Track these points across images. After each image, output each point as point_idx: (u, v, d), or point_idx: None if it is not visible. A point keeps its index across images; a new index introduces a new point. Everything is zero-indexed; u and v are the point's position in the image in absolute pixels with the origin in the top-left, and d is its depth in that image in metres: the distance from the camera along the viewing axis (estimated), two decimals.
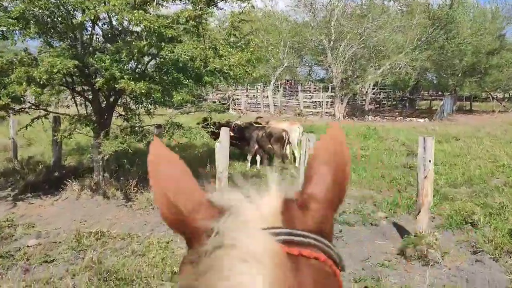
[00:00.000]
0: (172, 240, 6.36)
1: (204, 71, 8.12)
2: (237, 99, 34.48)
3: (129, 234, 6.66)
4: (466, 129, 21.07)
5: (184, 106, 9.16)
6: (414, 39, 27.37)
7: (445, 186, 9.37)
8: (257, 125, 11.67)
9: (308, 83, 45.30)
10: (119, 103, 8.94)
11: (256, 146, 11.17)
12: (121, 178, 8.90)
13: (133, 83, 6.79)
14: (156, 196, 0.60)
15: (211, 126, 7.64)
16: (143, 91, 6.79)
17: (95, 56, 7.31)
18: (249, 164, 11.26)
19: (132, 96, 8.39)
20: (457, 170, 10.85)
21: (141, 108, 8.55)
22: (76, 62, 6.73)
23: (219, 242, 0.51)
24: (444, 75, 31.47)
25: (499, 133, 19.27)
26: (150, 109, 8.48)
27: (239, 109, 32.72)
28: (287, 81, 48.24)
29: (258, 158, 11.50)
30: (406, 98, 40.28)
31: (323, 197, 0.61)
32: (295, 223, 0.57)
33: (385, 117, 31.28)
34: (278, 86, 41.67)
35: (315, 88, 39.73)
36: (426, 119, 29.91)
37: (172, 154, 0.65)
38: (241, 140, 11.11)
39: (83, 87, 8.41)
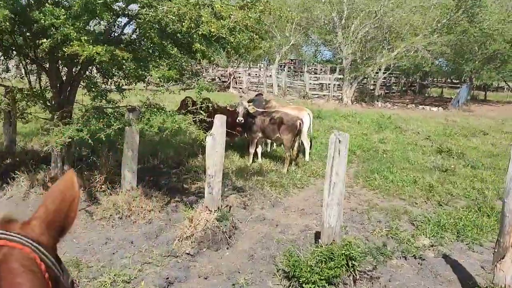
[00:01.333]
0: (135, 278, 4.42)
1: (195, 35, 6.06)
2: (239, 77, 32.23)
3: (77, 262, 4.70)
4: (489, 122, 19.08)
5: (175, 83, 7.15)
6: (434, 21, 25.01)
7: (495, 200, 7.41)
8: (264, 109, 9.64)
9: (314, 64, 42.92)
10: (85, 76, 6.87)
11: (260, 135, 9.16)
12: (85, 172, 6.93)
13: (91, 46, 4.74)
14: None
15: (202, 112, 5.62)
16: (104, 58, 4.75)
17: (44, 9, 5.21)
18: (251, 158, 9.26)
19: (100, 67, 6.34)
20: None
21: (112, 83, 6.49)
22: (9, 13, 4.65)
23: None
24: (461, 61, 29.15)
25: None
26: (122, 85, 6.42)
27: (240, 88, 30.58)
28: (291, 60, 45.87)
29: (259, 149, 9.49)
30: (415, 85, 38.10)
31: (43, 218, 0.85)
32: (11, 229, 0.79)
33: (396, 104, 29.20)
34: (282, 66, 39.45)
35: (322, 70, 37.38)
36: (440, 107, 27.85)
37: None
38: (236, 127, 9.06)
39: (35, 51, 6.32)
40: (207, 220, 5.54)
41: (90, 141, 5.47)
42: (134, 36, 6.92)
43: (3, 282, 0.69)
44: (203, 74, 31.46)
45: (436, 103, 30.52)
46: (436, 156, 10.47)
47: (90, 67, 6.74)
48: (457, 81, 48.36)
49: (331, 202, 4.72)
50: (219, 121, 5.50)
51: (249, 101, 10.66)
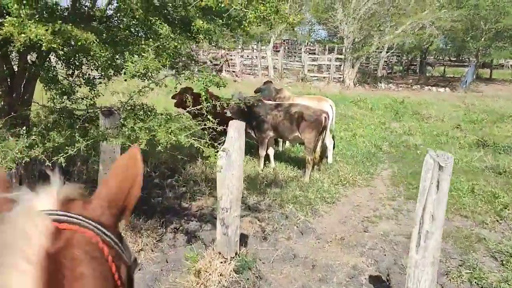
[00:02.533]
0: None
1: (193, 8, 4.33)
2: (231, 59, 30.25)
3: None
4: (509, 104, 17.47)
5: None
6: None
7: None
8: (274, 101, 7.83)
9: (310, 44, 40.94)
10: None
11: (272, 134, 7.40)
12: None
13: (32, 27, 2.95)
14: None
15: (210, 118, 3.87)
16: (54, 45, 2.97)
17: None
18: (262, 163, 7.53)
19: (61, 55, 4.52)
20: None
21: (78, 75, 4.67)
22: None
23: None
24: (466, 39, 27.42)
25: None
26: (93, 77, 4.62)
27: (233, 72, 28.64)
28: (284, 41, 43.78)
29: (271, 151, 7.74)
30: (415, 64, 36.36)
31: (104, 197, 0.79)
32: (72, 210, 0.73)
33: (399, 85, 27.53)
34: (275, 47, 37.44)
35: (320, 50, 35.45)
36: (447, 88, 26.26)
37: None
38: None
39: None
40: (221, 274, 3.85)
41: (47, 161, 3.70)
42: (109, 10, 5.10)
43: (66, 271, 0.65)
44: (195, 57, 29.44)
45: (441, 83, 28.90)
46: (480, 151, 8.82)
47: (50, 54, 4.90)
48: (455, 59, 46.79)
49: (423, 261, 3.03)
50: (236, 130, 3.74)
51: (256, 91, 8.91)
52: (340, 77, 26.87)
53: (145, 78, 4.22)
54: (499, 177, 7.12)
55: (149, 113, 4.35)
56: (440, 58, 44.15)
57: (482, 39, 26.78)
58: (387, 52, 27.99)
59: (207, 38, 5.17)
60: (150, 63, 3.79)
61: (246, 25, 4.26)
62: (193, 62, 6.36)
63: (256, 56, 30.28)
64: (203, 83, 4.08)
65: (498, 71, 39.58)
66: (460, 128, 11.47)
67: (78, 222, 0.71)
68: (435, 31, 23.23)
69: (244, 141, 3.86)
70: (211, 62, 31.28)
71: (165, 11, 4.71)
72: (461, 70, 36.34)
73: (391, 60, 31.80)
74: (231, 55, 30.11)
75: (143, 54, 3.91)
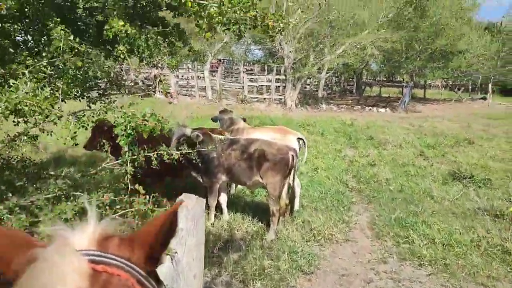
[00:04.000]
0: None
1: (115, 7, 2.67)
2: (165, 80, 28.26)
3: None
4: (453, 126, 17.20)
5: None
6: (380, 15, 23.06)
7: None
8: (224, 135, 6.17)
9: (249, 64, 40.05)
10: None
11: (224, 178, 5.74)
12: None
13: None
14: None
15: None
16: None
17: None
18: (212, 215, 5.83)
19: None
20: None
21: None
22: None
23: (36, 261, 0.64)
24: (401, 60, 27.70)
25: (496, 131, 15.54)
26: None
27: (168, 93, 26.66)
28: (219, 60, 42.61)
29: (223, 199, 6.05)
30: (352, 84, 36.56)
31: (142, 239, 0.77)
32: (108, 249, 0.71)
33: (340, 106, 27.12)
34: (212, 66, 36.06)
35: (258, 70, 34.53)
36: (387, 109, 26.19)
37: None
38: (178, 169, 5.56)
39: None
40: None
41: None
42: None
43: None
44: (124, 78, 27.14)
45: (380, 103, 28.93)
46: (458, 185, 7.77)
47: None
48: (385, 79, 48.09)
49: None
50: (190, 218, 2.06)
51: (213, 120, 7.29)
52: (281, 98, 25.88)
53: (24, 118, 2.43)
54: (497, 221, 5.98)
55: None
56: (377, 78, 45.06)
57: (418, 59, 27.15)
58: (327, 73, 27.50)
59: (137, 52, 3.51)
60: (24, 98, 2.04)
61: (203, 26, 2.64)
62: (117, 85, 4.61)
63: (192, 76, 28.58)
64: (125, 123, 2.37)
65: (428, 90, 41.05)
66: (423, 156, 10.52)
67: (115, 264, 0.70)
68: (375, 51, 23.00)
69: (204, 235, 2.19)
70: (143, 82, 29.20)
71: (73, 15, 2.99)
72: (394, 90, 37.13)
73: (330, 80, 31.49)
74: (165, 75, 28.15)
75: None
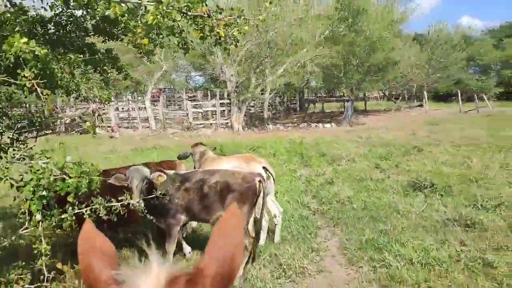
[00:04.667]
0: None
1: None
2: (104, 113, 27.05)
3: None
4: (399, 134, 17.52)
5: None
6: (317, 33, 23.47)
7: None
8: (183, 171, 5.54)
9: (192, 90, 39.48)
10: None
11: (184, 218, 5.11)
12: None
13: None
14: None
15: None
16: None
17: None
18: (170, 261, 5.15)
19: None
20: None
21: None
22: None
23: None
24: (340, 75, 28.34)
25: (439, 137, 15.96)
26: None
27: (109, 127, 25.44)
28: (161, 89, 41.75)
29: (185, 244, 5.40)
30: (300, 102, 37.02)
31: (211, 273, 0.73)
32: None
33: (286, 125, 27.15)
34: (153, 96, 35.09)
35: (201, 96, 34.03)
36: (333, 124, 26.52)
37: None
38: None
39: None
40: None
41: None
42: None
43: None
44: (59, 115, 25.63)
45: (325, 119, 29.32)
46: (421, 195, 7.59)
47: None
48: (325, 95, 49.25)
49: None
50: None
51: (180, 157, 6.55)
52: (227, 122, 25.50)
53: None
54: (469, 231, 5.75)
55: None
56: (318, 95, 45.96)
57: (356, 73, 27.87)
58: (270, 93, 27.52)
59: (59, 83, 2.93)
60: None
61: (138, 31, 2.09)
62: (41, 125, 3.87)
63: (133, 108, 27.52)
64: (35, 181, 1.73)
65: (367, 102, 42.38)
66: (379, 168, 10.39)
67: None
68: (315, 68, 23.29)
69: None
70: (80, 118, 27.69)
71: None
72: (336, 105, 37.97)
73: (274, 100, 31.56)
74: (103, 109, 26.92)
75: None
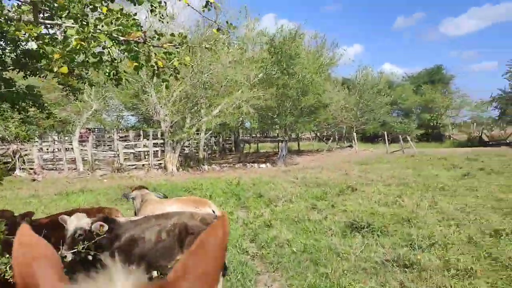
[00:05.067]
0: None
1: None
2: (26, 155, 25.22)
3: None
4: (332, 175, 17.90)
5: None
6: (251, 75, 23.94)
7: None
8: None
9: (124, 131, 38.23)
10: None
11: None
12: None
13: None
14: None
15: None
16: None
17: None
18: None
19: None
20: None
21: None
22: None
23: None
24: (274, 116, 28.97)
25: (371, 176, 16.53)
26: None
27: (31, 169, 23.67)
28: (90, 129, 40.07)
29: None
30: (235, 142, 37.07)
31: (187, 276, 0.66)
32: None
33: (222, 165, 26.88)
34: (81, 136, 33.49)
35: (133, 136, 32.98)
36: (268, 164, 26.68)
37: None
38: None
39: None
40: None
41: None
42: None
43: None
44: None
45: (260, 159, 29.49)
46: (358, 237, 7.57)
47: None
48: (260, 135, 49.99)
49: None
50: None
51: (134, 189, 5.98)
52: (160, 163, 24.74)
53: None
54: (408, 272, 5.74)
55: None
56: (253, 135, 46.38)
57: (289, 115, 28.59)
58: (205, 133, 27.30)
59: None
60: None
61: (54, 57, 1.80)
62: None
63: (59, 148, 25.93)
64: None
65: (300, 142, 43.53)
66: (316, 209, 10.37)
67: None
68: (250, 109, 23.54)
69: None
70: None
71: None
72: (270, 145, 38.56)
73: (210, 140, 31.33)
74: (26, 150, 25.10)
75: None
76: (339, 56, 28.79)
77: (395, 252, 6.37)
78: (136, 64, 2.66)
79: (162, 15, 2.87)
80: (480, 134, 38.93)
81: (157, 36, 2.66)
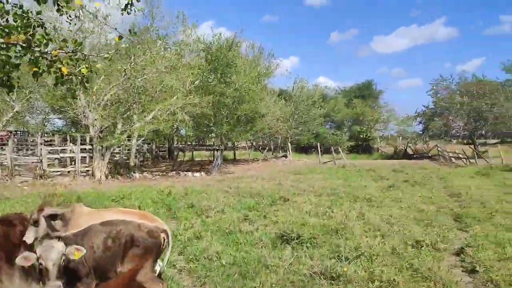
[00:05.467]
0: None
1: None
2: None
3: None
4: (266, 184, 17.98)
5: None
6: (187, 82, 23.56)
7: None
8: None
9: (48, 134, 36.00)
10: None
11: (89, 281, 4.25)
12: None
13: None
14: None
15: None
16: None
17: None
18: None
19: None
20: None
21: None
22: None
23: None
24: (213, 124, 28.70)
25: (303, 186, 16.81)
26: None
27: None
28: (11, 132, 37.34)
29: None
30: (169, 150, 36.21)
31: None
32: None
33: (154, 173, 26.08)
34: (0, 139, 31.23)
35: (59, 141, 31.14)
36: (202, 173, 26.30)
37: None
38: None
39: None
40: None
41: None
42: None
43: None
44: None
45: (194, 167, 29.00)
46: (288, 248, 7.53)
47: None
48: (196, 143, 49.35)
49: None
50: None
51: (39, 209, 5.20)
52: (88, 170, 23.48)
53: None
54: (334, 284, 5.76)
55: None
56: (188, 143, 45.58)
57: (226, 124, 28.41)
58: (137, 140, 26.39)
59: None
60: None
61: None
62: None
63: None
64: None
65: (236, 151, 43.56)
66: (248, 220, 10.24)
67: None
68: (185, 116, 23.08)
69: None
70: None
71: None
72: (205, 154, 38.15)
73: (142, 147, 30.32)
74: None
75: None
76: (275, 66, 29.29)
77: (323, 264, 6.39)
78: (35, 69, 2.35)
79: (70, 16, 2.60)
80: (405, 147, 41.26)
81: (44, 41, 2.38)
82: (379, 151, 46.51)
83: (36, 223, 4.48)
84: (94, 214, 5.38)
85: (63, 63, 2.40)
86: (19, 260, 3.78)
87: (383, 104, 51.13)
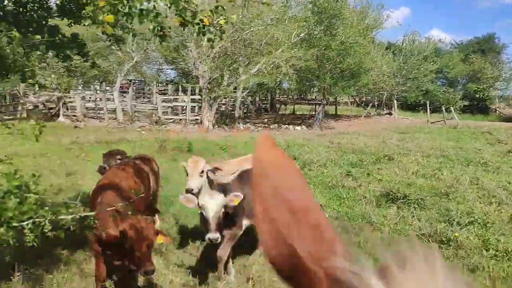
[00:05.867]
0: None
1: None
2: (70, 102, 25.93)
3: None
4: (369, 141, 17.53)
5: None
6: (293, 34, 23.31)
7: None
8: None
9: (162, 84, 38.64)
10: None
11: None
12: None
13: None
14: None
15: None
16: None
17: None
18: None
19: None
20: None
21: None
22: None
23: None
24: (313, 78, 28.31)
25: (410, 146, 16.08)
26: None
27: (74, 116, 24.43)
28: (130, 81, 40.62)
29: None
30: (271, 103, 36.80)
31: None
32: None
33: (257, 125, 26.86)
34: (122, 87, 34.21)
35: (172, 91, 33.29)
36: (303, 126, 26.46)
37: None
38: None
39: None
40: None
41: None
42: None
43: None
44: (20, 101, 24.41)
45: (296, 121, 29.23)
46: (393, 207, 7.43)
47: None
48: (297, 97, 49.35)
49: None
50: None
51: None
52: (197, 119, 24.96)
53: None
54: (444, 248, 5.61)
55: None
56: (289, 96, 45.84)
57: (328, 78, 27.87)
58: (243, 92, 27.17)
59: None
60: None
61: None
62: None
63: (100, 98, 26.53)
64: None
65: (338, 107, 42.77)
66: (351, 176, 10.21)
67: None
68: (290, 70, 23.09)
69: None
70: (44, 106, 26.44)
71: None
72: (307, 108, 38.03)
73: (246, 99, 31.20)
74: (69, 97, 25.80)
75: None
76: (384, 18, 27.56)
77: (432, 227, 6.22)
78: (181, 20, 2.55)
79: None
80: None
81: None
82: (497, 112, 42.26)
83: (202, 173, 4.96)
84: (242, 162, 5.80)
85: (205, 15, 2.57)
86: (181, 199, 4.27)
87: (507, 60, 45.65)
